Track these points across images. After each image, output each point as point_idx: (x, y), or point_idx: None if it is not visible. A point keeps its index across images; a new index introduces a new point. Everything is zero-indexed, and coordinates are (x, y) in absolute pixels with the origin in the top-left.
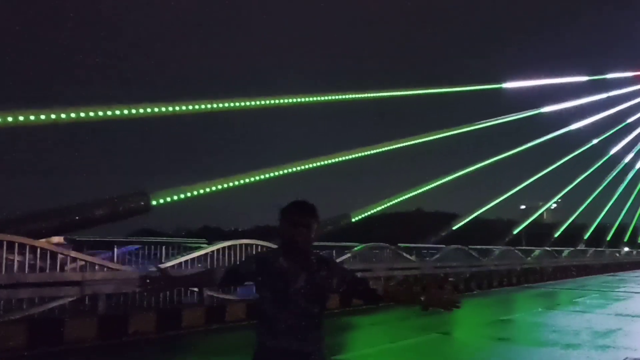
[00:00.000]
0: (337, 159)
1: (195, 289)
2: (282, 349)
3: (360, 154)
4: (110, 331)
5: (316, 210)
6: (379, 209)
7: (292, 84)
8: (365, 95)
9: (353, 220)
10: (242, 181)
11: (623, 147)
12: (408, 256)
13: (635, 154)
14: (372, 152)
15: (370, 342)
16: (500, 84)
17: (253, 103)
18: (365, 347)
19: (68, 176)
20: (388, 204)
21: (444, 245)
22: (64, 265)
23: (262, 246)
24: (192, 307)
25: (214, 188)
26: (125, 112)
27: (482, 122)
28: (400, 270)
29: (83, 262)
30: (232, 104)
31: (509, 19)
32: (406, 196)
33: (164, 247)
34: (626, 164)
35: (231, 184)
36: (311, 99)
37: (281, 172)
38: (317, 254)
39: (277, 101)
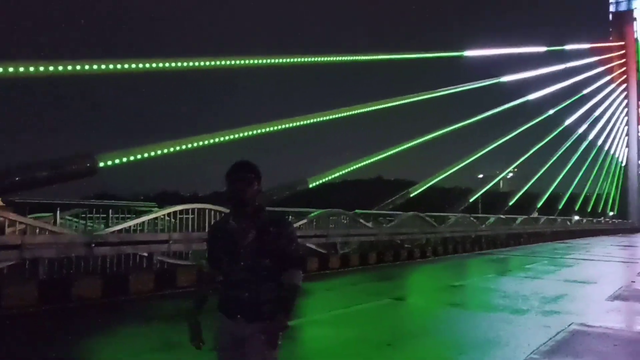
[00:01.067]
0: (296, 123)
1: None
2: (238, 299)
3: (320, 119)
4: (52, 296)
5: (255, 167)
6: (336, 175)
7: (255, 46)
8: (327, 58)
9: (310, 186)
10: (196, 144)
11: (577, 119)
12: (365, 223)
13: (588, 125)
14: (332, 117)
15: (323, 308)
16: (462, 52)
17: (211, 63)
18: (318, 312)
19: (11, 135)
20: (346, 171)
21: (401, 212)
22: (3, 229)
23: (215, 210)
24: (140, 272)
25: (166, 150)
26: (78, 67)
27: (442, 89)
28: (357, 236)
29: (23, 225)
30: (188, 64)
31: None
32: (365, 163)
33: (111, 210)
34: (580, 135)
35: (184, 147)
36: (271, 61)
37: (239, 135)
38: (271, 214)
39: (235, 62)
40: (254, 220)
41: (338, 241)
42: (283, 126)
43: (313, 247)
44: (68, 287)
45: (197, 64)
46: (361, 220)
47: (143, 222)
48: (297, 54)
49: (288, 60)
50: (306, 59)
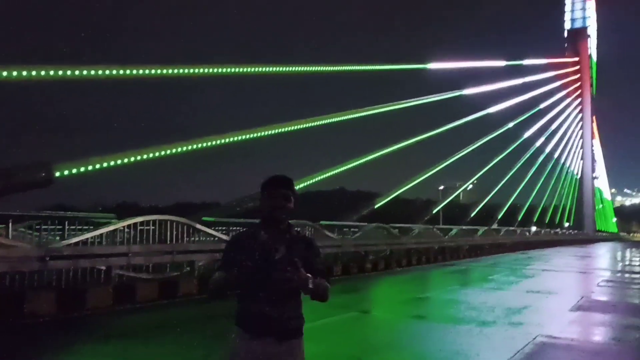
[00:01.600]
0: (258, 134)
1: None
2: (263, 315)
3: (282, 130)
4: (4, 313)
5: (292, 183)
6: (301, 186)
7: (217, 54)
8: (292, 68)
9: None
10: (155, 154)
11: (535, 132)
12: (330, 234)
13: (546, 139)
14: (295, 127)
15: None
16: (425, 64)
17: (169, 72)
18: None
19: None
20: (310, 182)
21: (365, 224)
22: None
23: (177, 222)
24: (98, 287)
25: (125, 160)
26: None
27: (405, 101)
28: (322, 248)
29: None
30: (147, 71)
31: (437, 3)
32: (329, 174)
33: (67, 222)
34: (537, 148)
35: (144, 157)
36: (234, 70)
37: (200, 146)
38: (297, 231)
39: (196, 71)
40: (285, 236)
41: None
42: (245, 137)
43: None
44: (21, 303)
45: (158, 71)
46: (326, 232)
47: (101, 234)
48: (261, 63)
49: (251, 69)
50: (269, 69)
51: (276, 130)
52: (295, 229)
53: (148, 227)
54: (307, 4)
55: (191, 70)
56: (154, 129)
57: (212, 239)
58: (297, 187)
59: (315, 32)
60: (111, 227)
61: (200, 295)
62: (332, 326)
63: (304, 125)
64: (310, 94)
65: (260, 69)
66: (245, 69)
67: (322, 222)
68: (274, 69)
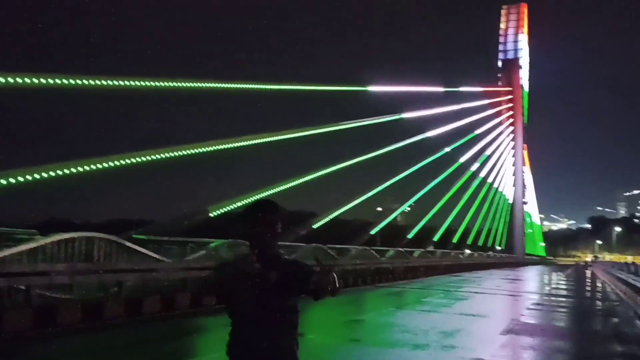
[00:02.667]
0: (198, 150)
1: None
2: (260, 345)
3: (223, 147)
4: None
5: (277, 207)
6: (238, 204)
7: (148, 68)
8: (228, 86)
9: (211, 215)
10: (90, 167)
11: (471, 157)
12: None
13: (481, 164)
14: (234, 145)
15: (220, 346)
16: (366, 86)
17: (98, 82)
18: (214, 351)
19: None
20: (248, 200)
21: (303, 244)
22: None
23: (106, 240)
24: (17, 309)
25: (52, 173)
26: None
27: (346, 122)
28: None
29: None
30: (85, 82)
31: (379, 26)
32: (267, 193)
33: None
34: (472, 172)
35: (73, 170)
36: (165, 84)
37: (132, 161)
38: (284, 256)
39: (123, 83)
40: (275, 262)
41: None
42: (183, 152)
43: None
44: None
45: (95, 82)
46: None
47: (21, 252)
48: (200, 78)
49: (189, 84)
50: (203, 85)
51: (214, 147)
52: (281, 251)
53: (74, 245)
54: (241, 19)
55: (124, 83)
56: (90, 141)
57: (143, 257)
58: (232, 207)
59: (255, 49)
60: (32, 244)
61: (128, 318)
62: None
63: (244, 143)
64: (251, 111)
65: (198, 85)
66: (182, 84)
67: None
68: (211, 85)
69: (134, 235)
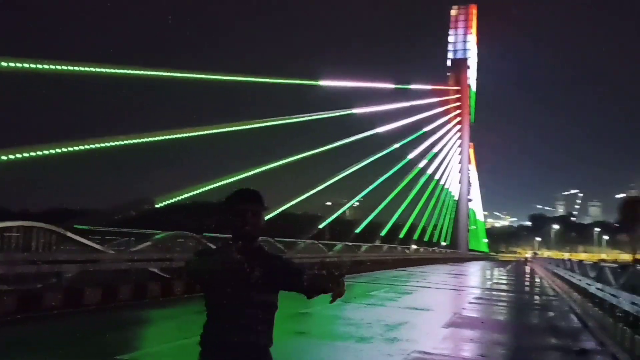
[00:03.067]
0: (144, 139)
1: None
2: (238, 343)
3: (169, 137)
4: None
5: (261, 197)
6: (186, 196)
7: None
8: (177, 74)
9: (158, 205)
10: (23, 154)
11: (419, 154)
12: (212, 246)
13: (428, 161)
14: (182, 135)
15: (164, 338)
16: (317, 81)
17: (37, 66)
18: (157, 343)
19: None
20: (196, 192)
21: None
22: None
23: (45, 229)
24: None
25: None
26: None
27: (297, 116)
28: None
29: None
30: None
31: (332, 21)
32: (216, 184)
33: None
34: (420, 169)
35: (11, 156)
36: (113, 71)
37: (74, 149)
38: (266, 249)
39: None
40: (259, 255)
41: (184, 265)
42: (128, 141)
43: (156, 271)
44: None
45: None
46: (209, 244)
47: None
48: (144, 66)
49: (138, 72)
50: (152, 73)
51: (161, 137)
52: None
53: (11, 234)
54: (194, 7)
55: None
56: (30, 128)
57: (85, 248)
58: (182, 197)
59: (206, 39)
60: None
61: (68, 309)
62: None
63: (193, 134)
64: (201, 102)
65: (146, 72)
66: (128, 71)
67: (205, 234)
68: (160, 73)
69: (75, 226)
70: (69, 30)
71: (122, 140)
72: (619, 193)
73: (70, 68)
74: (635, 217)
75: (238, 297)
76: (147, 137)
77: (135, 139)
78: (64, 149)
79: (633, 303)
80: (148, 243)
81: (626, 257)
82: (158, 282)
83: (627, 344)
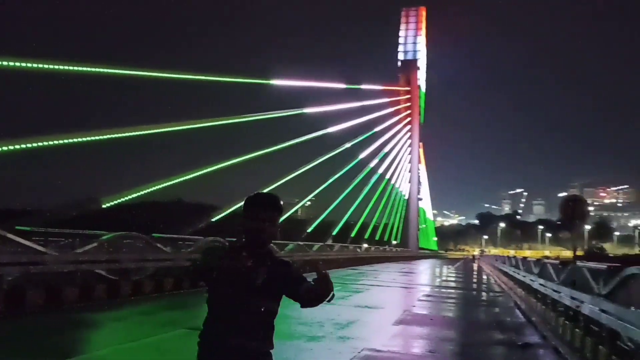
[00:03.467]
0: (87, 138)
1: None
2: (239, 348)
3: (119, 135)
4: None
5: (279, 203)
6: (134, 195)
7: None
8: (125, 71)
9: (104, 206)
10: None
11: (370, 153)
12: (162, 247)
13: (379, 160)
14: (132, 134)
15: (109, 341)
16: (269, 80)
17: None
18: (103, 346)
19: None
20: (144, 192)
21: (201, 237)
22: None
23: None
24: None
25: None
26: None
27: (249, 115)
28: (153, 262)
29: None
30: None
31: (283, 20)
32: (165, 184)
33: None
34: (371, 169)
35: None
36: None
37: (18, 147)
38: (277, 255)
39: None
40: (266, 261)
41: (131, 267)
42: (75, 139)
43: (103, 273)
44: None
45: None
46: (158, 245)
47: None
48: (94, 63)
49: (80, 68)
50: (100, 70)
51: (107, 136)
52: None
53: None
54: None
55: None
56: None
57: (27, 250)
58: (129, 197)
59: (158, 36)
60: None
61: (9, 312)
62: (156, 345)
63: (140, 132)
64: (148, 100)
65: (95, 69)
66: (78, 67)
67: (154, 235)
68: (108, 70)
69: (17, 227)
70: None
71: (67, 138)
72: (561, 192)
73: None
74: (574, 214)
75: (238, 300)
76: (93, 135)
77: (80, 137)
78: (4, 147)
79: (573, 298)
80: (94, 244)
81: (568, 253)
82: (105, 284)
83: (568, 336)
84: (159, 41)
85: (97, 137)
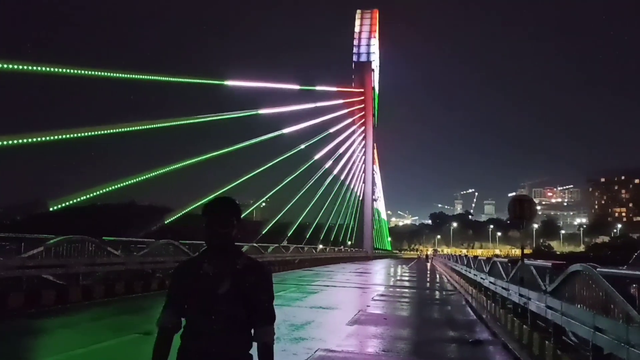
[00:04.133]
0: (33, 138)
1: None
2: (207, 353)
3: (64, 136)
4: None
5: (238, 207)
6: (83, 198)
7: None
8: (75, 72)
9: (51, 208)
10: None
11: (325, 154)
12: (113, 251)
13: (333, 161)
14: (80, 135)
15: (58, 348)
16: (223, 80)
17: None
18: (51, 354)
19: None
20: (94, 194)
21: (153, 240)
22: None
23: None
24: None
25: None
26: None
27: (202, 116)
28: (103, 266)
29: None
30: None
31: (238, 21)
32: (116, 186)
33: None
34: (326, 170)
35: None
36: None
37: None
38: (248, 258)
39: None
40: (231, 265)
41: (81, 271)
42: (17, 140)
43: (50, 278)
44: None
45: None
46: (109, 248)
47: None
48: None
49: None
50: (50, 69)
51: (56, 137)
52: (241, 259)
53: None
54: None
55: None
56: None
57: None
58: (79, 200)
59: (108, 35)
60: None
61: None
62: (107, 351)
63: (90, 133)
64: (100, 99)
65: (41, 68)
66: (21, 66)
67: (105, 238)
68: (56, 69)
69: None
70: None
71: (12, 139)
72: (510, 192)
73: None
74: (522, 214)
75: (206, 308)
76: (40, 136)
77: (27, 138)
78: None
79: (521, 295)
80: (40, 248)
81: (518, 252)
82: (52, 289)
83: (517, 333)
84: (112, 39)
85: (44, 138)
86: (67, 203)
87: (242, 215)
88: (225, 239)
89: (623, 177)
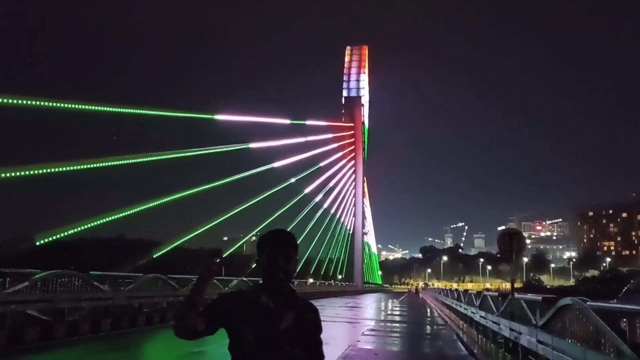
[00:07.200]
0: (21, 172)
1: None
2: None
3: (55, 170)
4: None
5: (294, 240)
6: (71, 232)
7: None
8: (62, 105)
9: (38, 243)
10: None
11: (315, 188)
12: (100, 285)
13: (324, 195)
14: (70, 168)
15: None
16: (214, 114)
17: None
18: None
19: None
20: (83, 227)
21: (141, 274)
22: None
23: None
24: None
25: None
26: None
27: (193, 150)
28: (89, 300)
29: None
30: None
31: (228, 53)
32: (104, 220)
33: None
34: (316, 203)
35: None
36: None
37: None
38: (301, 297)
39: None
40: (291, 302)
41: (66, 306)
42: (14, 174)
43: (35, 313)
44: None
45: None
46: (95, 283)
47: None
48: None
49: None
50: (38, 103)
51: (44, 170)
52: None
53: None
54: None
55: None
56: None
57: None
58: (66, 234)
59: (100, 69)
60: None
61: None
62: None
63: (79, 167)
64: (87, 133)
65: (27, 102)
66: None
67: (92, 273)
68: (43, 102)
69: None
70: None
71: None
72: (500, 225)
73: None
74: (512, 247)
75: (263, 346)
76: (27, 170)
77: (12, 172)
78: None
79: (511, 329)
80: (25, 283)
81: (508, 286)
82: (37, 326)
83: None
84: (100, 74)
85: (32, 172)
86: (55, 237)
87: (232, 249)
88: (289, 274)
89: (611, 211)
